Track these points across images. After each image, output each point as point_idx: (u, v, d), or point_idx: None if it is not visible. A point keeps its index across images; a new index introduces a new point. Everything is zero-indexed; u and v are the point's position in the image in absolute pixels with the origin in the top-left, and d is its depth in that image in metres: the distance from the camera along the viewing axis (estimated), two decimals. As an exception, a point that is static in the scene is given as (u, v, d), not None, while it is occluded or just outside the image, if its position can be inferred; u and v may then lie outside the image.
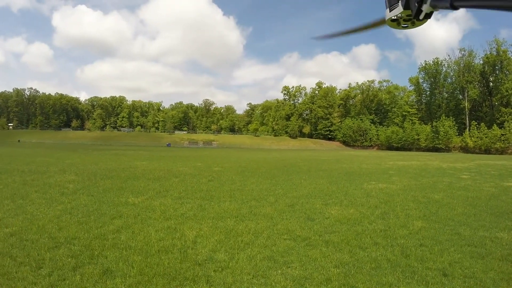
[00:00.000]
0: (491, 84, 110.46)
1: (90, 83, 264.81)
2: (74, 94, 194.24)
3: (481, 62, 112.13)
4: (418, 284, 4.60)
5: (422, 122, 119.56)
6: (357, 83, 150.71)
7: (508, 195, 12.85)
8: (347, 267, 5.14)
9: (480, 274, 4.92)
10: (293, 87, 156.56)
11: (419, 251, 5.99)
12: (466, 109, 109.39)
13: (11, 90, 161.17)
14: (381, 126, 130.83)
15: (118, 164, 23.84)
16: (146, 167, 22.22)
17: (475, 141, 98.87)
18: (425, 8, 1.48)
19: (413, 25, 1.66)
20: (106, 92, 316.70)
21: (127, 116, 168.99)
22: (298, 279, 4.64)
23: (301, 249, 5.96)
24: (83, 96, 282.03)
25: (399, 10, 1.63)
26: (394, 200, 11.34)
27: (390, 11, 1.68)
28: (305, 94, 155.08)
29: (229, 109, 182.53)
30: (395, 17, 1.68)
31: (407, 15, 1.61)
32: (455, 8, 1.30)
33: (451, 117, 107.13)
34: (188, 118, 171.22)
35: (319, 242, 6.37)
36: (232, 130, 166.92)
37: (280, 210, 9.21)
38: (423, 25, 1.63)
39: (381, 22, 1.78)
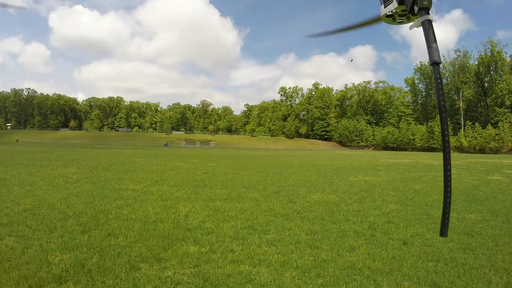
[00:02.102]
0: (486, 84, 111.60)
1: (87, 84, 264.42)
2: (71, 95, 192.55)
3: (476, 63, 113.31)
4: (377, 248, 5.40)
5: (418, 123, 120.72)
6: (353, 84, 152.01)
7: (488, 186, 13.59)
8: (316, 235, 6.01)
9: (438, 244, 5.66)
10: (290, 88, 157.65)
11: (386, 226, 6.82)
12: (461, 110, 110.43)
13: (9, 91, 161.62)
14: (377, 127, 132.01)
15: (117, 160, 24.69)
16: (144, 162, 23.10)
17: (470, 141, 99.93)
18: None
19: (408, 20, 1.65)
20: (103, 93, 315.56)
21: (124, 117, 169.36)
22: (271, 241, 5.53)
23: (279, 222, 6.86)
24: (80, 97, 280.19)
25: (394, 5, 1.63)
26: (375, 189, 12.21)
27: (385, 7, 1.68)
28: (302, 95, 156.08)
29: (227, 110, 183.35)
30: (390, 13, 1.67)
31: (402, 10, 1.61)
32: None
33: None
34: (185, 119, 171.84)
35: (296, 218, 7.27)
36: (229, 130, 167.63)
37: (266, 195, 10.12)
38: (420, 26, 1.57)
39: (375, 20, 1.77)
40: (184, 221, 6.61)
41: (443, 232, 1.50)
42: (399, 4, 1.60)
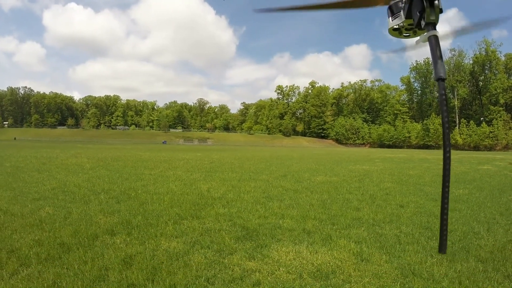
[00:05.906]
0: (481, 83, 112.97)
1: (82, 83, 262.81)
2: (66, 94, 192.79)
3: (471, 62, 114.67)
4: (377, 208, 6.28)
5: (413, 120, 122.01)
6: (349, 82, 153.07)
7: (477, 172, 14.65)
8: (326, 201, 6.86)
9: (430, 207, 6.53)
10: (286, 86, 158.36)
11: (385, 196, 7.73)
12: (456, 108, 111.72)
13: (5, 89, 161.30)
14: (373, 125, 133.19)
15: (122, 154, 25.34)
16: (149, 156, 23.75)
17: (464, 138, 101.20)
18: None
19: (415, 34, 1.65)
20: (99, 92, 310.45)
21: (121, 115, 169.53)
22: (289, 205, 6.34)
23: (291, 194, 7.68)
24: (76, 96, 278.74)
25: (401, 19, 1.63)
26: (372, 174, 13.10)
27: (392, 20, 1.67)
28: (299, 93, 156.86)
29: (223, 108, 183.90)
30: (397, 26, 1.67)
31: (409, 24, 1.61)
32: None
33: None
34: (182, 117, 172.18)
35: (305, 191, 8.09)
36: (226, 129, 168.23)
37: (274, 177, 10.95)
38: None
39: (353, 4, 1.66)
40: (207, 194, 7.39)
41: (442, 248, 1.42)
42: (406, 18, 1.55)
